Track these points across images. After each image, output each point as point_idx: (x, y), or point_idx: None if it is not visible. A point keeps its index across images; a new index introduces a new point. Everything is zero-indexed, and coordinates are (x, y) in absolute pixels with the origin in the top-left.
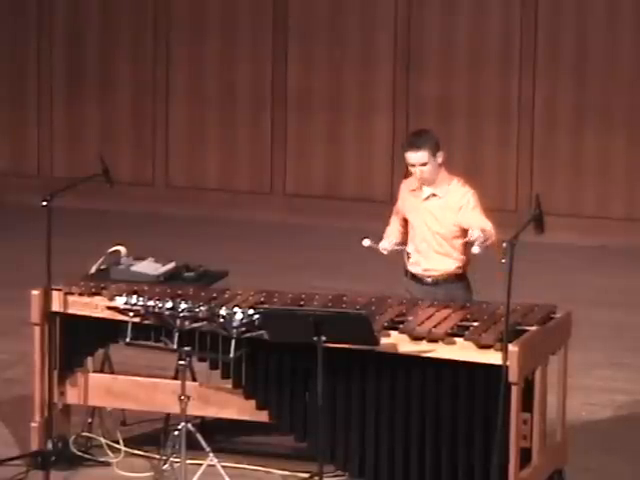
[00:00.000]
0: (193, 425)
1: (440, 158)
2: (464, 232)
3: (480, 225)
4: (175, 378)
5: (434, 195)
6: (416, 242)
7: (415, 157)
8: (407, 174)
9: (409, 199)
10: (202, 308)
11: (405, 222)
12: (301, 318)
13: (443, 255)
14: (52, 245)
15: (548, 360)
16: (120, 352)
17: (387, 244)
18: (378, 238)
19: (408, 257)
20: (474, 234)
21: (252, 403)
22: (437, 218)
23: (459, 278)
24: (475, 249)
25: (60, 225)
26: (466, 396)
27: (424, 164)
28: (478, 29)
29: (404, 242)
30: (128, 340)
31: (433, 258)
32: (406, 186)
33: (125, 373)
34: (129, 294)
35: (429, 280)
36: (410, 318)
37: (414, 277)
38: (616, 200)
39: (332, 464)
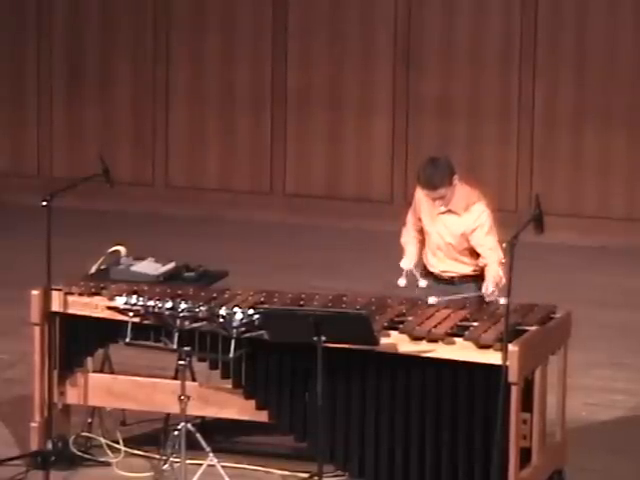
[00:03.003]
0: (193, 425)
1: (455, 181)
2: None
3: (490, 258)
4: (175, 378)
5: (450, 211)
6: (431, 248)
7: (432, 195)
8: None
9: (426, 206)
10: (202, 308)
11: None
12: (301, 318)
13: (458, 262)
14: (52, 245)
15: (548, 360)
16: (120, 352)
17: (406, 264)
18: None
19: (425, 257)
20: (488, 288)
21: (252, 403)
22: (451, 232)
23: (475, 279)
24: (502, 300)
25: (60, 225)
26: (466, 396)
27: (442, 197)
28: (478, 28)
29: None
30: (128, 340)
31: (448, 263)
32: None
33: (125, 373)
34: (129, 294)
35: (445, 277)
36: (410, 318)
37: (432, 275)
38: (616, 200)
39: (332, 464)
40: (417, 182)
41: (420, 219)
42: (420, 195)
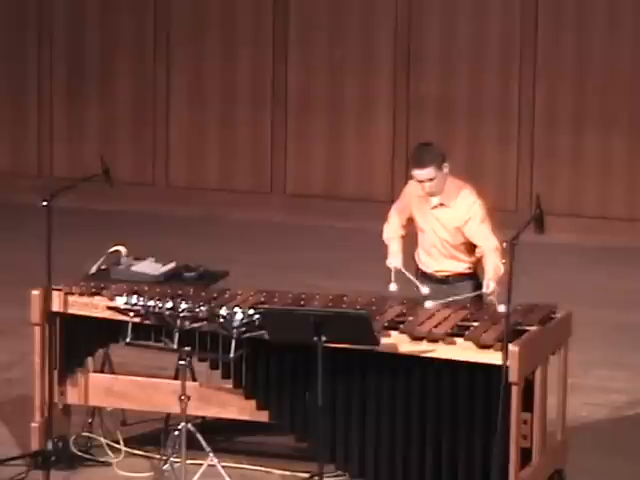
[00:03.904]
0: (193, 425)
1: (446, 169)
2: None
3: (488, 245)
4: (175, 378)
5: (442, 205)
6: (425, 246)
7: (422, 174)
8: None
9: (417, 204)
10: (202, 308)
11: (408, 221)
12: (301, 318)
13: (452, 259)
14: (52, 245)
15: (548, 360)
16: (120, 352)
17: (395, 261)
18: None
19: (419, 257)
20: (489, 286)
21: (252, 403)
22: (445, 226)
23: (469, 277)
24: (501, 308)
25: (60, 225)
26: (466, 396)
27: (431, 179)
28: (478, 28)
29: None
30: (128, 340)
31: (443, 261)
32: (414, 190)
33: (125, 373)
34: (129, 294)
35: (439, 277)
36: (410, 318)
37: (424, 275)
38: (617, 200)
39: (332, 464)
40: (409, 164)
41: (411, 219)
42: (410, 192)
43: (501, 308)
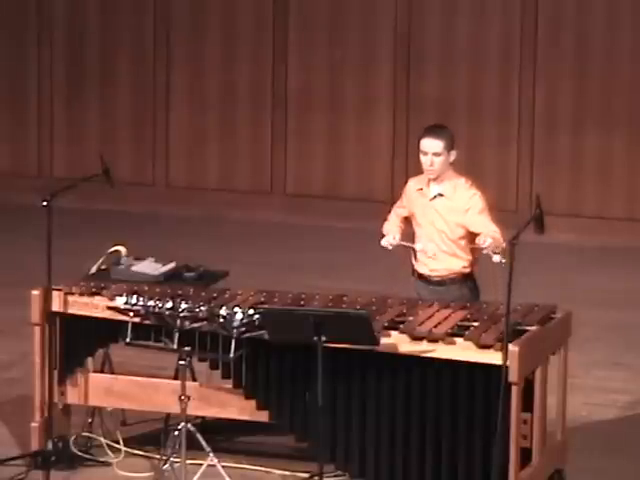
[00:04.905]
0: (193, 425)
1: (453, 156)
2: (470, 233)
3: (488, 230)
4: (175, 378)
5: (441, 195)
6: (423, 243)
7: (430, 144)
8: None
9: (416, 198)
10: (202, 308)
11: (405, 220)
12: (301, 318)
13: (450, 255)
14: (52, 245)
15: (548, 360)
16: (120, 352)
17: (392, 240)
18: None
19: (415, 257)
20: (486, 241)
21: (252, 403)
22: (444, 218)
23: (466, 278)
24: (496, 258)
25: (60, 225)
26: (466, 396)
27: (437, 154)
28: (478, 29)
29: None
30: (128, 340)
31: (440, 258)
32: (413, 185)
33: (125, 373)
34: (129, 294)
35: (436, 280)
36: (410, 318)
37: (421, 277)
38: (616, 200)
39: (332, 464)
40: (419, 138)
41: (409, 218)
42: (410, 187)
43: (496, 258)
